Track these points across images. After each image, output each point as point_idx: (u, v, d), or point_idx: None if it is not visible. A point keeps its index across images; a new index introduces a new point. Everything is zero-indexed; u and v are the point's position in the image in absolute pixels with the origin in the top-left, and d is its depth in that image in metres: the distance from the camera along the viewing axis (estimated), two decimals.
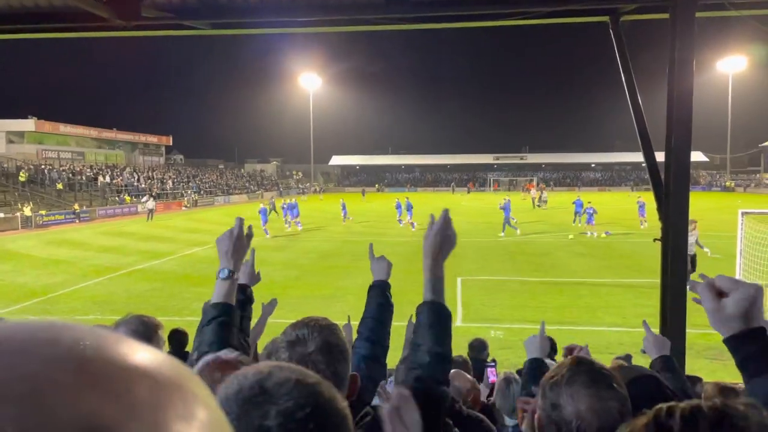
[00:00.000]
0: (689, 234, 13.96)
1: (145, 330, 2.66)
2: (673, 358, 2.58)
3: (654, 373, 1.88)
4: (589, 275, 16.81)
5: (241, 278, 2.60)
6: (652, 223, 27.99)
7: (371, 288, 2.43)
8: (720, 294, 1.36)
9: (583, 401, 1.35)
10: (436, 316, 1.78)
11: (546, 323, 2.82)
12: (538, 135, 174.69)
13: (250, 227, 2.27)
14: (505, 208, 26.90)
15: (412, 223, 29.86)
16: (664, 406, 0.85)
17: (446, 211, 1.94)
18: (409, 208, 30.51)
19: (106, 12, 4.98)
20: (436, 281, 1.82)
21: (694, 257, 14.51)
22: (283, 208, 31.46)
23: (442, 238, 1.84)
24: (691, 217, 5.33)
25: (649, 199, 31.25)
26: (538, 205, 43.00)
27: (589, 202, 27.95)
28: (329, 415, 0.76)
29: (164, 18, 5.14)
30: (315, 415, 0.75)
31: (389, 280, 2.47)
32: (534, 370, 2.55)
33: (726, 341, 1.35)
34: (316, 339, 1.51)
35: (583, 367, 1.42)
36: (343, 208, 34.62)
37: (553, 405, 1.39)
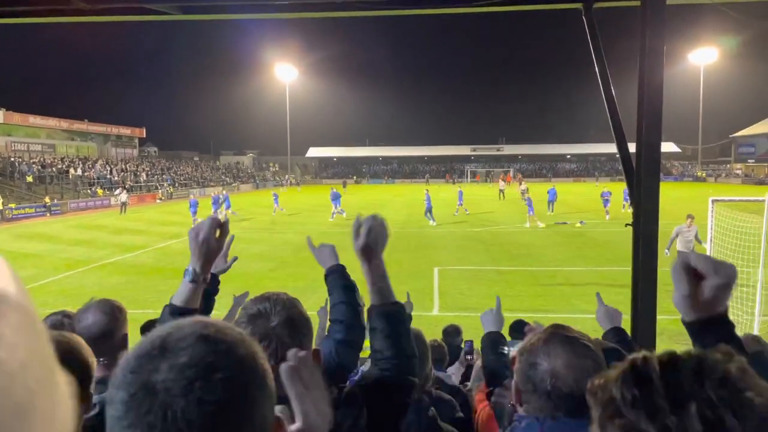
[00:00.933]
0: (687, 229, 13.77)
1: (118, 314, 2.61)
2: (624, 330, 2.64)
3: (616, 345, 1.92)
4: (563, 264, 17.01)
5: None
6: (613, 215, 28.39)
7: (328, 275, 2.26)
8: (696, 275, 1.21)
9: (559, 357, 1.39)
10: (387, 321, 1.72)
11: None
12: (514, 126, 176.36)
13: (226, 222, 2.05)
14: (427, 200, 29.50)
15: (333, 213, 31.65)
16: (639, 354, 0.80)
17: (374, 216, 1.83)
18: (336, 198, 32.17)
19: None
20: (380, 281, 1.75)
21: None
22: (216, 201, 32.88)
23: (374, 237, 1.74)
24: (661, 206, 5.37)
25: (614, 189, 31.66)
26: (523, 200, 43.25)
27: (526, 193, 28.95)
28: (231, 376, 0.70)
29: (131, 1, 5.00)
30: (207, 373, 0.68)
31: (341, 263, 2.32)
32: (493, 341, 2.65)
33: (689, 324, 1.25)
34: (280, 313, 1.48)
35: (560, 330, 1.47)
36: (275, 199, 35.38)
37: (530, 364, 1.43)
